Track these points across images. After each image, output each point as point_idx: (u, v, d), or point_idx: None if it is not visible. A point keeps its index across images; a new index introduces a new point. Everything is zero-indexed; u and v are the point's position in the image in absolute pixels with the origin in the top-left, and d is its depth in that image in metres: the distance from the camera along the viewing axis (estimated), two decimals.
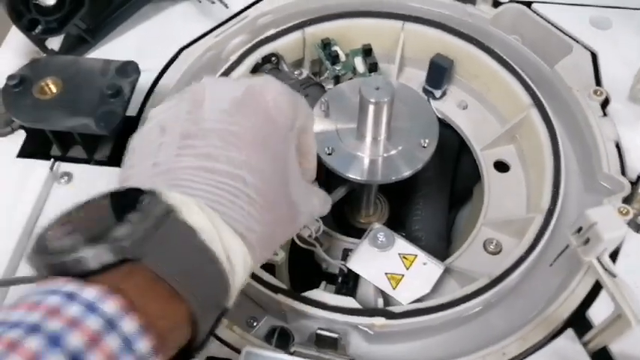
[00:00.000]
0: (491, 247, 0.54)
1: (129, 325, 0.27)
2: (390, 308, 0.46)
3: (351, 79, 0.63)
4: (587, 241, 0.40)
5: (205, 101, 0.36)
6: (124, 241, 0.28)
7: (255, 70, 0.61)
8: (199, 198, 0.32)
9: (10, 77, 0.50)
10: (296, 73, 0.65)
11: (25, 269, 0.49)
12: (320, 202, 0.43)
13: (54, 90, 0.51)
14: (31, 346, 0.25)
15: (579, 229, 0.40)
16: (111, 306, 0.27)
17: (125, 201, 0.31)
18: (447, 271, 0.51)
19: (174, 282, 0.29)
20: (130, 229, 0.29)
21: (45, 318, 0.26)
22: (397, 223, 0.65)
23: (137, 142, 0.37)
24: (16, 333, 0.25)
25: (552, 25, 0.62)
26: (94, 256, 0.28)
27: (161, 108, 0.38)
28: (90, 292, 0.27)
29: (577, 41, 0.61)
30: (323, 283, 0.52)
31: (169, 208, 0.30)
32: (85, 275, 0.28)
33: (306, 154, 0.42)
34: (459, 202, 0.71)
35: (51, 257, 0.29)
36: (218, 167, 0.33)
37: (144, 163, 0.35)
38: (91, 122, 0.49)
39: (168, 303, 0.29)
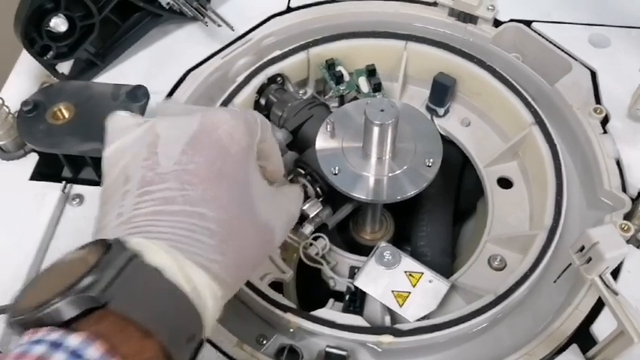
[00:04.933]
0: (496, 263, 0.55)
1: None
2: (398, 326, 0.47)
3: (355, 98, 0.64)
4: (589, 259, 0.41)
5: (160, 145, 0.37)
6: (90, 291, 0.30)
7: (262, 90, 0.63)
8: (159, 240, 0.34)
9: (25, 103, 0.51)
10: (301, 92, 0.66)
11: None
12: (294, 204, 0.45)
13: (66, 115, 0.52)
14: None
15: (581, 248, 0.41)
16: (94, 351, 0.28)
17: (92, 252, 0.32)
18: (452, 287, 0.52)
19: (141, 320, 0.30)
20: (95, 278, 0.30)
21: None
22: (402, 240, 0.66)
23: (108, 192, 0.38)
24: None
25: (552, 43, 0.63)
26: (65, 308, 0.29)
27: (116, 148, 0.39)
28: (74, 339, 0.28)
29: (576, 59, 0.62)
30: (330, 301, 0.53)
31: (132, 254, 0.32)
32: (61, 325, 0.29)
33: (268, 157, 0.43)
34: (463, 217, 0.72)
35: (26, 316, 0.30)
36: (175, 209, 0.35)
37: (111, 214, 0.36)
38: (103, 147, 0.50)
39: (139, 341, 0.30)
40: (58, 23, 0.56)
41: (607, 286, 0.41)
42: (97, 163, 0.55)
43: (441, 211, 0.65)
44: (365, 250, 0.58)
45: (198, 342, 0.34)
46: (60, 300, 0.29)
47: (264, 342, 0.50)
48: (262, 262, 0.42)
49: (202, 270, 0.34)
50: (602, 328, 0.46)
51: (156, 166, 0.36)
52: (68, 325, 0.30)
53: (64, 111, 0.52)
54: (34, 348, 0.28)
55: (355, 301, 0.52)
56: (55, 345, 0.28)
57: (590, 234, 0.40)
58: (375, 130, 0.49)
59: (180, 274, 0.33)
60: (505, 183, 0.61)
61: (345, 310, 0.52)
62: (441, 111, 0.64)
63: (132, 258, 0.32)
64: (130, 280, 0.31)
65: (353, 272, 0.54)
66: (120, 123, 0.40)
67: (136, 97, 0.53)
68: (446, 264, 0.62)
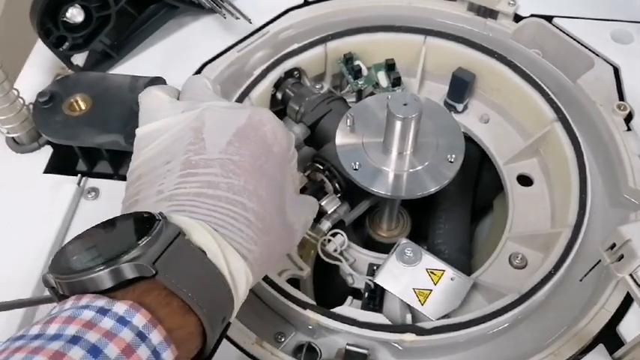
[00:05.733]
0: (517, 261, 0.54)
1: (156, 337, 0.29)
2: (420, 324, 0.46)
3: (372, 93, 0.63)
4: (620, 257, 0.40)
5: (205, 132, 0.38)
6: (140, 260, 0.30)
7: (278, 84, 0.62)
8: (203, 222, 0.34)
9: (41, 94, 0.50)
10: (317, 87, 0.65)
11: None
12: (311, 211, 0.46)
13: (83, 107, 0.51)
14: (74, 356, 0.26)
15: (612, 246, 0.40)
16: (140, 319, 0.29)
17: (136, 223, 0.34)
18: (472, 285, 0.51)
19: (187, 297, 0.31)
20: (145, 250, 0.31)
21: (83, 330, 0.28)
22: (419, 237, 0.65)
23: (143, 169, 0.39)
24: (58, 344, 0.27)
25: (574, 39, 0.62)
26: (110, 275, 0.30)
27: (155, 128, 0.39)
28: (120, 306, 0.29)
29: (599, 55, 0.61)
30: (349, 299, 0.52)
31: (179, 230, 0.33)
32: (101, 293, 0.30)
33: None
34: (479, 215, 0.71)
35: (69, 276, 0.31)
36: (219, 194, 0.36)
37: (150, 190, 0.37)
38: (121, 139, 0.49)
39: (182, 316, 0.31)
40: (75, 14, 0.55)
41: (638, 284, 0.40)
42: (113, 155, 0.54)
43: (459, 208, 0.65)
44: (381, 248, 0.58)
45: (226, 324, 0.35)
46: (106, 268, 0.30)
47: (283, 339, 0.49)
48: (281, 260, 0.43)
49: (240, 257, 0.35)
50: (630, 328, 0.45)
51: (202, 151, 0.37)
52: (112, 292, 0.30)
53: (80, 102, 0.51)
54: (82, 312, 0.29)
55: (374, 298, 0.52)
56: (103, 311, 0.29)
57: (622, 231, 0.39)
58: (398, 125, 0.48)
59: (221, 257, 0.33)
60: (525, 180, 0.60)
61: (364, 307, 0.51)
62: (459, 107, 0.63)
63: (178, 234, 0.32)
64: (175, 256, 0.32)
65: (372, 269, 0.53)
66: (154, 102, 0.41)
67: None
68: (463, 262, 0.62)
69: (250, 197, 0.37)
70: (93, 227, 0.34)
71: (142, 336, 0.29)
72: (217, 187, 0.36)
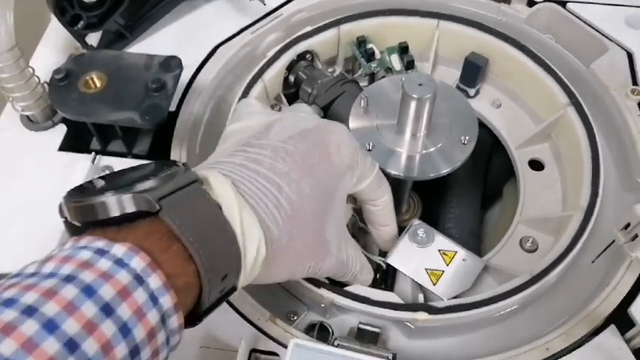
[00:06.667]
0: (528, 244, 0.54)
1: (155, 281, 0.29)
2: (433, 303, 0.47)
3: (383, 77, 0.63)
4: (634, 237, 0.40)
5: (275, 127, 0.40)
6: (147, 194, 0.30)
7: (291, 67, 0.62)
8: (230, 178, 0.35)
9: (56, 71, 0.50)
10: (329, 70, 0.65)
11: None
12: (359, 267, 0.47)
13: (98, 84, 0.51)
14: (66, 295, 0.26)
15: (627, 226, 0.41)
16: (138, 262, 0.28)
17: (158, 167, 0.35)
18: (483, 268, 0.51)
19: (187, 240, 0.30)
20: (155, 184, 0.31)
21: (78, 270, 0.27)
22: (430, 222, 0.65)
23: (213, 156, 0.41)
24: (52, 282, 0.26)
25: (587, 24, 0.62)
26: (117, 202, 0.30)
27: (239, 126, 0.42)
28: (119, 248, 0.29)
29: (612, 41, 0.61)
30: None
31: (195, 178, 0.33)
32: (109, 224, 0.30)
33: (377, 225, 0.50)
34: (489, 201, 0.71)
35: (81, 199, 0.30)
36: (259, 169, 0.36)
37: (205, 162, 0.39)
38: (136, 116, 0.50)
39: (181, 262, 0.30)
40: None
41: None
42: (126, 134, 0.54)
43: (470, 193, 0.65)
44: None
45: (230, 286, 0.34)
46: (115, 193, 0.30)
47: (294, 318, 0.50)
48: (299, 275, 0.41)
49: (258, 223, 0.34)
50: None
51: (262, 137, 0.38)
52: (119, 224, 0.30)
53: (96, 80, 0.51)
54: (79, 252, 0.28)
55: (386, 279, 0.52)
56: (101, 252, 0.28)
57: (637, 210, 0.39)
58: (412, 105, 0.48)
59: (237, 213, 0.33)
60: (536, 165, 0.60)
61: (376, 287, 0.51)
62: (471, 92, 0.63)
63: (194, 181, 0.32)
64: (184, 199, 0.31)
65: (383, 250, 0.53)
66: (247, 107, 0.44)
67: (169, 68, 0.52)
68: (473, 247, 0.62)
69: (290, 184, 0.37)
70: (121, 169, 0.35)
71: (139, 279, 0.28)
72: (260, 164, 0.36)
